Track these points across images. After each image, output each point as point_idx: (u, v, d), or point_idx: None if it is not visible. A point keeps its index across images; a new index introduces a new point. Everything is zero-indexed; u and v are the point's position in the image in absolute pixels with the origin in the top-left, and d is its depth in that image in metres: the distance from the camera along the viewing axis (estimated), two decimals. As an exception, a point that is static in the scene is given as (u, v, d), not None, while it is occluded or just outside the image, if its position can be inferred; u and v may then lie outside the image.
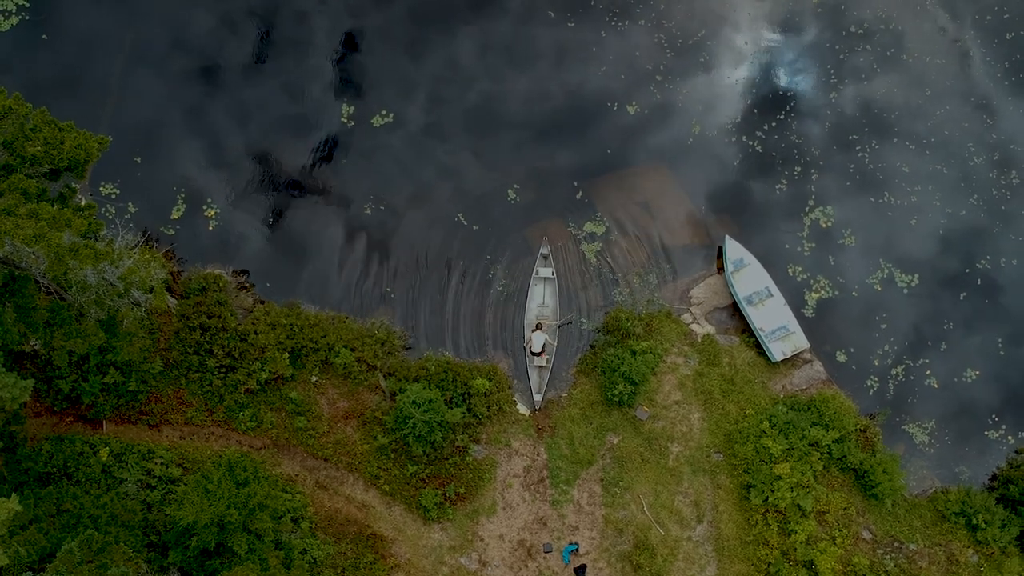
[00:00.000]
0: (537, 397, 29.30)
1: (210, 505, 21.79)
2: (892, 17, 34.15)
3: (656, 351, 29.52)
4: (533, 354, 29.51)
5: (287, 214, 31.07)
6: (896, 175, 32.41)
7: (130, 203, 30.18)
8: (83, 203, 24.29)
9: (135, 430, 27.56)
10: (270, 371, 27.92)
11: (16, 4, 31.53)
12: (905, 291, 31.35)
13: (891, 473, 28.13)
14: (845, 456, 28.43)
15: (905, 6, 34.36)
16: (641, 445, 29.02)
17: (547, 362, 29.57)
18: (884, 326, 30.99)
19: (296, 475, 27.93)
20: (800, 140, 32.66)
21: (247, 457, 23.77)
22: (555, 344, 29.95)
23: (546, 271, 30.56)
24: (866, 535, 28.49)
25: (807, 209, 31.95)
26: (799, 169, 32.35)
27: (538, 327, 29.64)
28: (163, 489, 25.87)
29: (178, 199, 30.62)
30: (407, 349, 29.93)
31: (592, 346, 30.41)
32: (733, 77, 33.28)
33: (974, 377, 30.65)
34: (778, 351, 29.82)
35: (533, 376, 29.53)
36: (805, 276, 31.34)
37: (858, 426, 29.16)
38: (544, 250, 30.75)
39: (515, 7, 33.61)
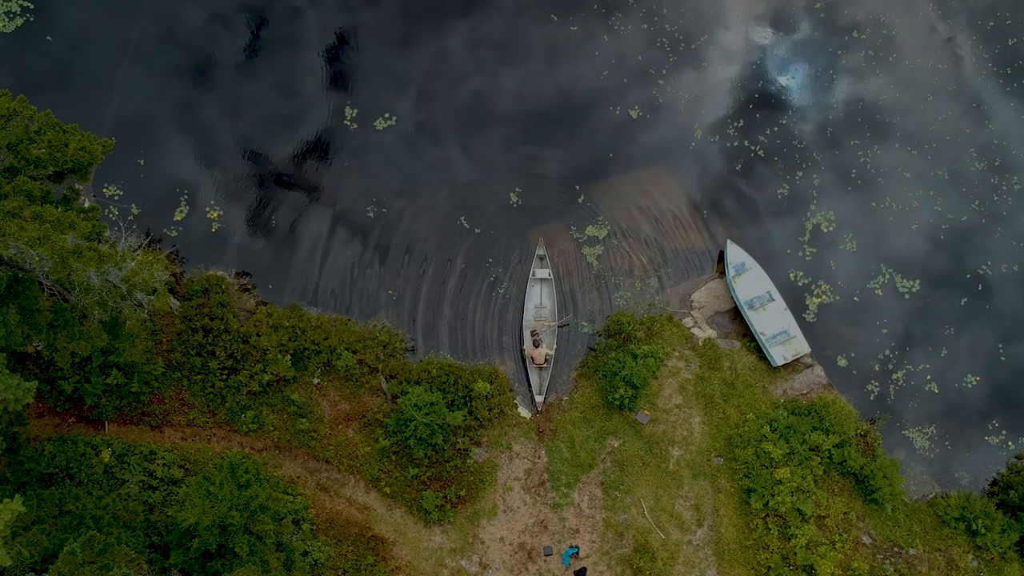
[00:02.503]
0: (539, 399, 29.35)
1: (212, 507, 21.84)
2: (894, 22, 34.18)
3: (657, 355, 29.56)
4: (537, 366, 29.57)
5: (289, 216, 31.12)
6: (898, 180, 32.45)
7: (133, 205, 30.25)
8: (87, 205, 24.36)
9: (137, 431, 27.63)
10: (272, 373, 27.97)
11: (21, 5, 31.60)
12: (906, 296, 31.38)
13: (891, 478, 28.15)
14: (845, 461, 28.45)
15: (907, 11, 34.39)
16: (642, 449, 29.06)
17: (547, 361, 29.61)
18: (885, 331, 31.03)
19: (297, 477, 27.98)
20: (802, 144, 32.71)
21: (249, 459, 23.84)
22: (555, 345, 29.98)
23: (543, 272, 30.59)
24: (866, 540, 28.52)
25: (809, 213, 31.99)
26: (801, 173, 32.40)
27: (535, 341, 29.45)
28: (165, 490, 25.93)
29: (181, 201, 30.69)
30: (409, 352, 29.99)
31: (593, 349, 30.45)
32: (735, 81, 33.32)
33: (974, 382, 30.68)
34: (779, 356, 29.85)
35: (534, 378, 29.58)
36: (806, 281, 31.38)
37: (858, 431, 29.19)
38: (540, 251, 30.78)
39: (517, 11, 33.66)
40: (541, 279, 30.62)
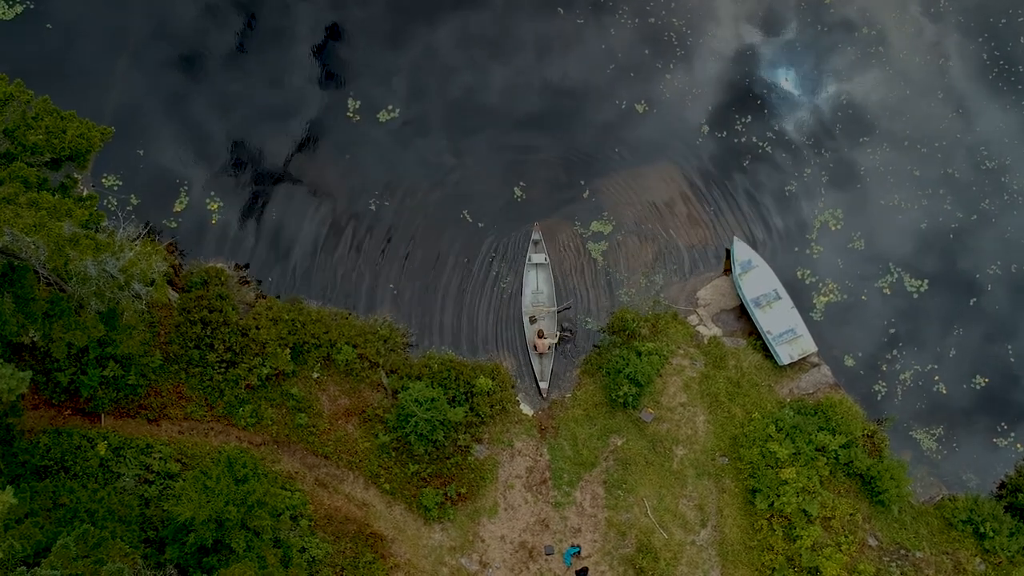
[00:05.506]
0: (543, 384, 29.17)
1: (208, 501, 21.59)
2: (904, 20, 33.82)
3: (662, 352, 29.22)
4: (539, 353, 29.32)
5: (290, 208, 30.80)
6: (907, 178, 32.08)
7: (133, 195, 29.93)
8: (84, 193, 24.03)
9: (134, 424, 27.31)
10: (271, 367, 27.65)
11: (21, -7, 31.33)
12: (915, 296, 31.01)
13: (898, 479, 27.82)
14: (852, 462, 28.12)
15: (917, 9, 34.02)
16: (645, 447, 28.71)
17: (549, 348, 29.30)
18: (893, 331, 30.67)
19: (296, 472, 27.65)
20: (810, 141, 32.36)
21: (246, 453, 23.57)
22: (556, 331, 29.70)
23: (538, 257, 30.33)
24: (872, 542, 28.16)
25: (816, 211, 31.64)
26: (809, 170, 32.04)
27: (539, 332, 29.23)
28: (161, 484, 25.62)
29: (181, 192, 30.37)
30: (410, 346, 29.68)
31: (597, 346, 30.11)
32: (743, 77, 32.96)
33: (983, 384, 30.29)
34: (785, 354, 29.49)
35: (536, 364, 29.35)
36: (814, 279, 31.02)
37: (865, 431, 28.86)
38: (535, 236, 30.50)
39: (522, 4, 33.31)
40: (537, 264, 30.38)
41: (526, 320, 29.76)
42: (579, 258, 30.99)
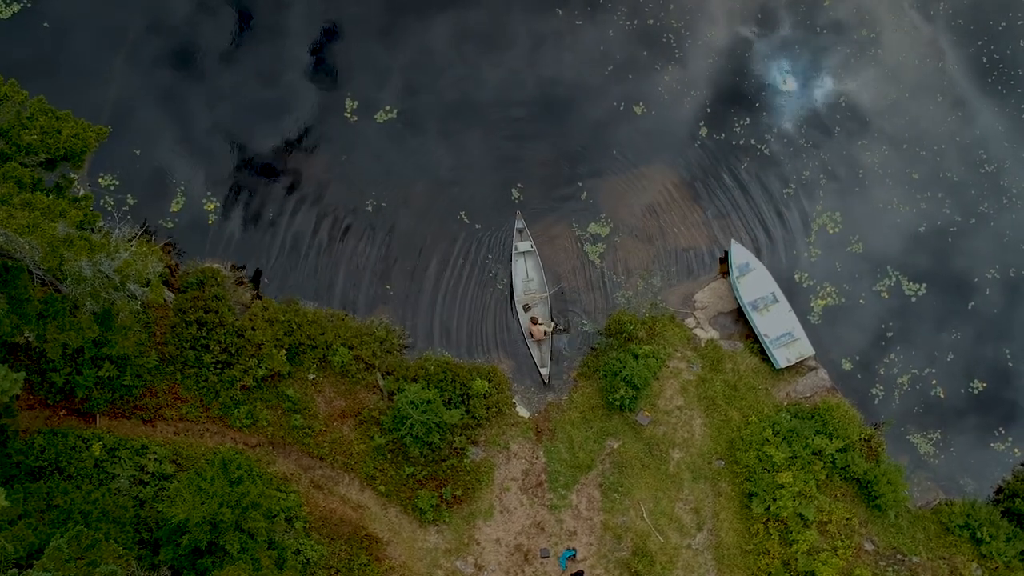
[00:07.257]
0: (543, 371, 29.22)
1: (203, 503, 21.52)
2: (903, 22, 33.75)
3: (659, 355, 29.15)
4: (537, 341, 29.36)
5: (287, 209, 30.73)
6: (905, 181, 32.02)
7: (129, 195, 29.87)
8: (80, 193, 23.97)
9: (129, 425, 27.23)
10: (267, 368, 27.57)
11: (18, -8, 31.27)
12: (913, 299, 30.94)
13: (895, 484, 27.74)
14: (849, 466, 28.04)
15: (919, 13, 33.94)
16: (641, 450, 28.64)
17: (546, 334, 29.35)
18: (890, 334, 30.59)
19: (291, 474, 27.58)
20: (809, 144, 32.30)
21: (241, 455, 23.49)
22: (551, 317, 29.73)
23: (524, 245, 30.33)
24: (868, 546, 28.09)
25: (815, 214, 31.57)
26: (807, 173, 31.97)
27: (533, 319, 29.26)
28: (156, 485, 25.54)
29: (178, 192, 30.29)
30: (406, 348, 29.61)
31: (594, 349, 30.03)
32: (742, 78, 32.89)
33: (981, 388, 30.23)
34: (782, 358, 29.42)
35: (535, 351, 29.39)
36: (811, 282, 30.95)
37: (862, 435, 28.77)
38: (519, 224, 30.50)
39: (522, 4, 33.24)
40: (524, 252, 30.36)
41: (519, 309, 29.77)
42: (576, 260, 30.93)
